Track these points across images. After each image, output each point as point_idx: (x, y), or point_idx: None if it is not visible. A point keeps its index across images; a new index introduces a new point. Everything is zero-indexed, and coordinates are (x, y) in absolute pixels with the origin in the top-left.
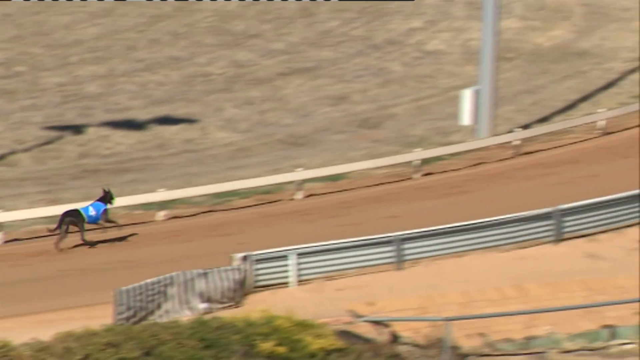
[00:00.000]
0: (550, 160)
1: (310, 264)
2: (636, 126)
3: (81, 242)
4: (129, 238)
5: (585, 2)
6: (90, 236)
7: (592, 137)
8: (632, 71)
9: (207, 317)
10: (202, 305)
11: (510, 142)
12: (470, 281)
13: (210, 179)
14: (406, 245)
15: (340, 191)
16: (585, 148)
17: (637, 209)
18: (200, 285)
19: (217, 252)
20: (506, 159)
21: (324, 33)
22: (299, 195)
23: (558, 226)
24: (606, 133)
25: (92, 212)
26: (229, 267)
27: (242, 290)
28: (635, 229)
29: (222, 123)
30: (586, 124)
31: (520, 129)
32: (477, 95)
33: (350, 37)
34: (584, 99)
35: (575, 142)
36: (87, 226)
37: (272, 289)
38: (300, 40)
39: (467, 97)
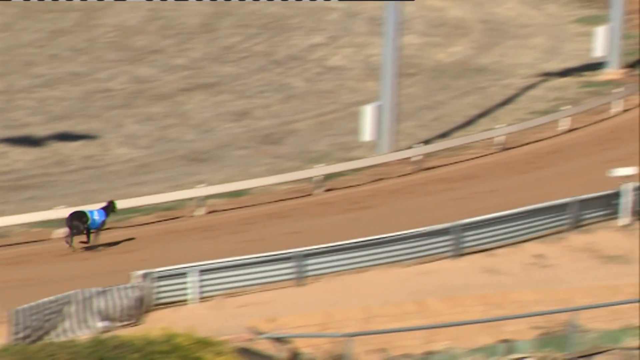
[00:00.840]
0: (450, 175)
1: (212, 281)
2: (534, 142)
3: (86, 243)
4: (26, 256)
5: (484, 19)
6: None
7: (491, 153)
8: (529, 87)
9: (106, 335)
10: (101, 324)
11: (411, 157)
12: (372, 297)
13: (110, 195)
14: (308, 261)
15: (242, 207)
16: (485, 163)
17: (534, 224)
18: (99, 303)
19: (117, 269)
20: (407, 174)
21: (226, 48)
22: (201, 212)
23: (457, 241)
24: (505, 148)
25: (96, 216)
26: (128, 285)
27: (142, 308)
28: (532, 244)
29: (122, 139)
30: (485, 139)
31: (421, 145)
32: (378, 110)
33: (252, 52)
34: (483, 114)
35: (474, 158)
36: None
37: (173, 306)
38: (202, 56)
39: (368, 112)
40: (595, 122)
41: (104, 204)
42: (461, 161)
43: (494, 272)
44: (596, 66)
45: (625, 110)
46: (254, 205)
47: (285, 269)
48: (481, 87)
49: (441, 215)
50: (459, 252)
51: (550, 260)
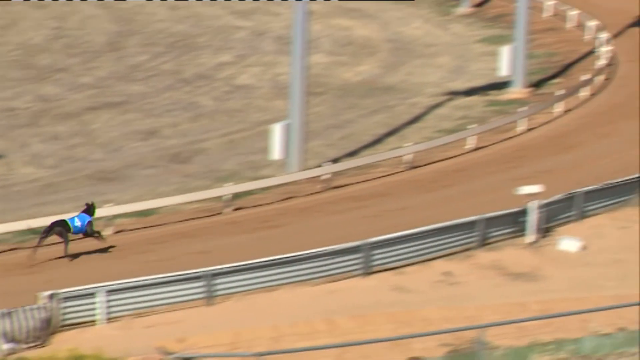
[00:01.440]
0: (359, 193)
1: (120, 301)
2: (441, 160)
3: (64, 254)
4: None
5: (390, 39)
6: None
7: (399, 171)
8: (436, 106)
9: (12, 358)
10: (6, 346)
11: (320, 176)
12: (282, 315)
13: (15, 215)
14: (217, 281)
15: (150, 227)
16: (393, 181)
17: (442, 242)
18: (4, 325)
19: (23, 290)
20: (316, 192)
21: (133, 67)
22: (109, 231)
23: (367, 259)
24: (413, 167)
25: (77, 223)
26: (34, 306)
27: (48, 329)
28: (440, 262)
29: (28, 158)
30: (393, 157)
31: (329, 163)
32: (287, 129)
33: (159, 71)
34: (391, 133)
35: (383, 176)
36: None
37: (81, 327)
38: (108, 74)
39: (277, 131)
40: (501, 141)
41: (83, 208)
42: (370, 179)
43: (403, 290)
44: (501, 85)
45: (530, 129)
46: (163, 224)
47: (194, 289)
48: (389, 105)
49: (350, 233)
50: (369, 270)
51: (458, 278)
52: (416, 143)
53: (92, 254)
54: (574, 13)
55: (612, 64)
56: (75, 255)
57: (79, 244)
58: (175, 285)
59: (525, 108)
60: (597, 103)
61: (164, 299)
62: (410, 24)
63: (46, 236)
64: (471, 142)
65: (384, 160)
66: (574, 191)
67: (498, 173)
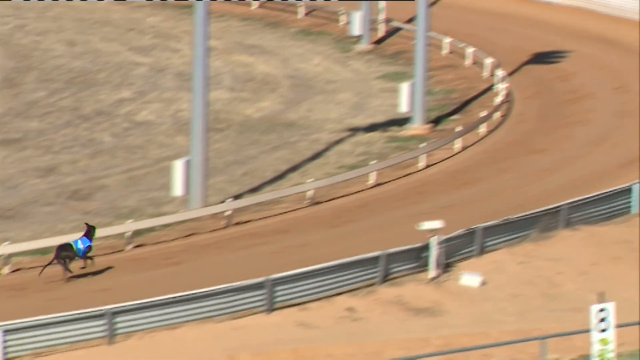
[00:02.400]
0: (261, 230)
1: (18, 341)
2: (343, 196)
3: (63, 277)
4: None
5: (291, 75)
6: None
7: (301, 207)
8: (338, 142)
9: None
10: None
11: (222, 212)
12: (184, 353)
13: None
14: (118, 319)
15: (50, 265)
16: (295, 218)
17: (345, 278)
18: None
19: None
20: (218, 229)
21: (30, 103)
22: (6, 270)
23: (270, 296)
24: (315, 203)
25: (80, 245)
26: None
27: None
28: (343, 297)
29: None
30: (295, 193)
31: (231, 199)
32: (188, 166)
33: (58, 107)
34: (293, 169)
35: (285, 212)
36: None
37: None
38: (5, 111)
39: (178, 167)
40: (402, 177)
41: (83, 232)
42: (272, 216)
43: (307, 326)
44: (401, 121)
45: (430, 165)
46: None
47: (95, 327)
48: (290, 141)
49: (253, 269)
50: (272, 307)
51: (361, 314)
52: (318, 179)
53: (86, 276)
54: (471, 50)
55: (508, 100)
56: (73, 277)
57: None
58: (76, 323)
59: (425, 144)
60: (495, 139)
61: (64, 337)
62: (310, 60)
63: (58, 261)
64: (372, 178)
65: (286, 196)
66: (474, 226)
67: (399, 209)
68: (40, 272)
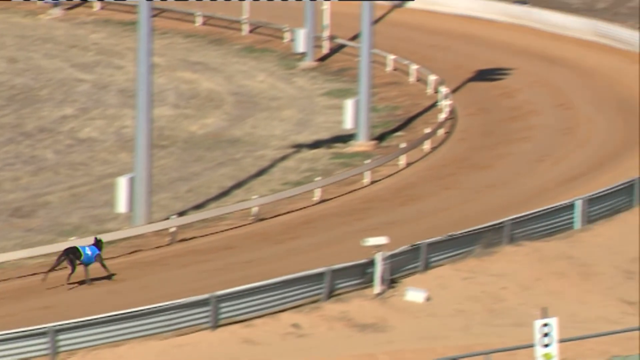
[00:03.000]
0: (205, 246)
1: None
2: (288, 212)
3: (67, 281)
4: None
5: (235, 92)
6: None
7: (246, 224)
8: (282, 158)
9: None
10: None
11: (166, 229)
12: None
13: None
14: (61, 337)
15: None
16: (240, 234)
17: (290, 294)
18: None
19: None
20: (163, 246)
21: None
22: None
23: (215, 312)
24: (260, 219)
25: (88, 252)
26: None
27: None
28: (288, 314)
29: None
30: (240, 210)
31: (175, 216)
32: (132, 182)
33: None
34: (237, 185)
35: (229, 229)
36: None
37: None
38: None
39: (122, 184)
40: (347, 193)
41: (92, 242)
42: (216, 232)
43: (252, 342)
44: (346, 138)
45: (375, 182)
46: (3, 280)
47: (37, 345)
48: (235, 158)
49: (198, 286)
50: (217, 324)
51: (306, 330)
52: (263, 195)
53: (98, 280)
54: (415, 67)
55: (452, 117)
56: (80, 282)
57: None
58: (17, 342)
59: (370, 161)
60: (439, 156)
61: (5, 356)
62: (254, 77)
63: (60, 262)
64: (317, 195)
65: (230, 213)
66: (418, 242)
67: (344, 225)
68: (47, 273)
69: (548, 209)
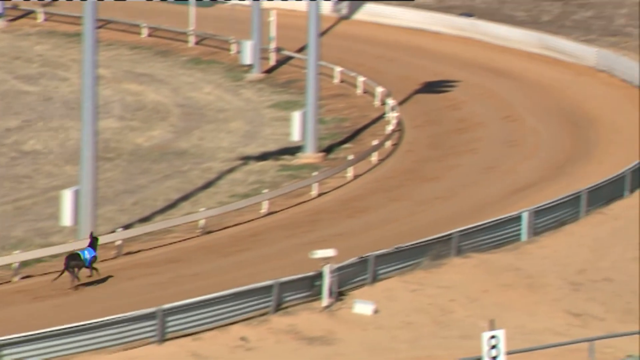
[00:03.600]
0: (152, 260)
1: None
2: (235, 225)
3: (71, 285)
4: None
5: (181, 104)
6: None
7: (193, 236)
8: (230, 171)
9: None
10: None
11: (112, 242)
12: None
13: None
14: (5, 351)
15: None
16: (187, 247)
17: (238, 307)
18: None
19: None
20: (108, 259)
21: None
22: None
23: (162, 326)
24: (207, 232)
25: (87, 255)
26: None
27: None
28: (237, 327)
29: None
30: (187, 223)
31: (121, 229)
32: (77, 195)
33: None
34: (184, 198)
35: (176, 242)
36: None
37: None
38: None
39: (67, 197)
40: (295, 205)
41: (88, 241)
42: (163, 245)
43: (200, 356)
44: (293, 150)
45: (322, 194)
46: None
47: None
48: (182, 170)
49: (145, 299)
50: (164, 337)
51: (255, 343)
52: (210, 208)
53: (91, 285)
54: (362, 79)
55: (399, 129)
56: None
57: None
58: None
59: (317, 173)
60: (387, 168)
61: None
62: (201, 89)
63: (68, 270)
64: (265, 207)
65: (177, 225)
66: (366, 255)
67: (292, 237)
68: (55, 279)
69: (495, 220)
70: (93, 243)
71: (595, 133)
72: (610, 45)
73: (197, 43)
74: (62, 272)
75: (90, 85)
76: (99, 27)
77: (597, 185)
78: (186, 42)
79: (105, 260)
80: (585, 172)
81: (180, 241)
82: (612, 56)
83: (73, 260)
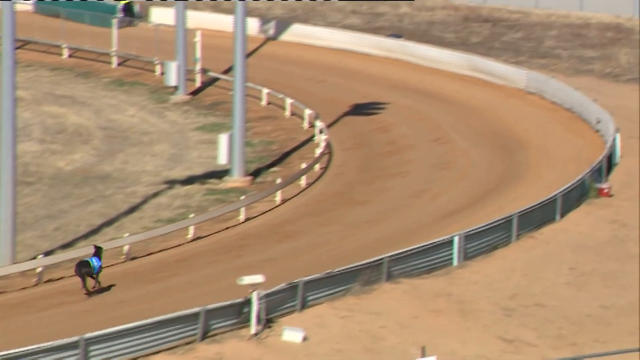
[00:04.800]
0: (74, 287)
1: None
2: (161, 250)
3: (85, 291)
4: None
5: (104, 126)
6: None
7: (117, 263)
8: (155, 195)
9: None
10: None
11: (32, 269)
12: None
13: None
14: None
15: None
16: (111, 274)
17: (163, 335)
18: None
19: None
20: (29, 287)
21: None
22: None
23: (84, 355)
24: (132, 258)
25: (95, 263)
26: None
27: None
28: (162, 355)
29: None
30: (111, 249)
31: (42, 256)
32: None
33: None
34: (108, 223)
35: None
36: None
37: None
38: None
39: None
40: (222, 230)
41: (93, 251)
42: None
43: None
44: (220, 174)
45: (250, 218)
46: None
47: None
48: (105, 195)
49: (66, 328)
50: None
51: None
52: (134, 233)
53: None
54: (290, 101)
55: (328, 152)
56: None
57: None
58: None
59: (245, 197)
60: (316, 191)
61: None
62: (125, 111)
63: (79, 275)
64: (192, 232)
65: None
66: (295, 281)
67: (220, 263)
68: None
69: (426, 245)
70: (98, 252)
71: (525, 156)
72: (540, 67)
73: (120, 64)
74: (84, 279)
75: (9, 107)
76: (18, 48)
77: (528, 208)
78: (109, 63)
79: (25, 288)
80: (516, 195)
81: (104, 267)
82: (542, 78)
83: (84, 268)
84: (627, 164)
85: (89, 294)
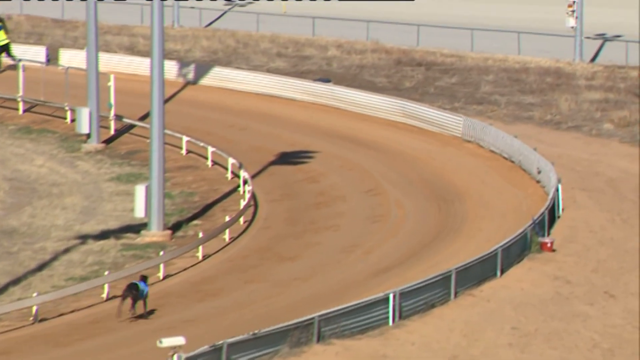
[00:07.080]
0: None
1: None
2: (73, 311)
3: (132, 315)
4: None
5: (10, 177)
6: None
7: (25, 325)
8: (66, 251)
9: None
10: None
11: None
12: None
13: None
14: None
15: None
16: (18, 337)
17: None
18: None
19: None
20: None
21: None
22: None
23: None
24: (40, 320)
25: (142, 287)
26: None
27: None
28: None
29: None
30: (18, 310)
31: None
32: None
33: None
34: (14, 282)
35: (6, 331)
36: None
37: None
38: None
39: None
40: None
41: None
42: None
43: None
44: (137, 227)
45: (170, 275)
46: None
47: None
48: (11, 251)
49: None
50: None
51: None
52: (44, 293)
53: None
54: (212, 150)
55: (253, 204)
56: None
57: None
58: None
59: (164, 252)
60: (240, 246)
61: None
62: (32, 161)
63: (125, 298)
64: (107, 291)
65: (6, 313)
66: (219, 342)
67: (137, 324)
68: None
69: (359, 303)
70: (144, 279)
71: (463, 207)
72: (477, 114)
73: (26, 110)
74: (124, 297)
75: None
76: None
77: (467, 264)
78: (15, 109)
79: None
80: (454, 250)
81: (10, 330)
82: (480, 125)
83: (134, 290)
84: (570, 217)
85: (137, 317)
